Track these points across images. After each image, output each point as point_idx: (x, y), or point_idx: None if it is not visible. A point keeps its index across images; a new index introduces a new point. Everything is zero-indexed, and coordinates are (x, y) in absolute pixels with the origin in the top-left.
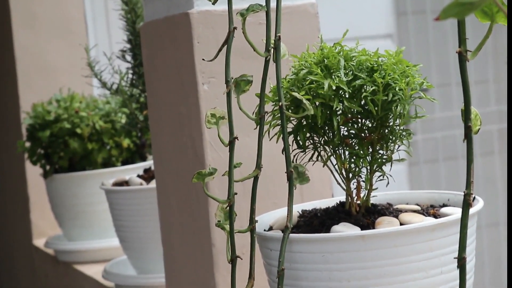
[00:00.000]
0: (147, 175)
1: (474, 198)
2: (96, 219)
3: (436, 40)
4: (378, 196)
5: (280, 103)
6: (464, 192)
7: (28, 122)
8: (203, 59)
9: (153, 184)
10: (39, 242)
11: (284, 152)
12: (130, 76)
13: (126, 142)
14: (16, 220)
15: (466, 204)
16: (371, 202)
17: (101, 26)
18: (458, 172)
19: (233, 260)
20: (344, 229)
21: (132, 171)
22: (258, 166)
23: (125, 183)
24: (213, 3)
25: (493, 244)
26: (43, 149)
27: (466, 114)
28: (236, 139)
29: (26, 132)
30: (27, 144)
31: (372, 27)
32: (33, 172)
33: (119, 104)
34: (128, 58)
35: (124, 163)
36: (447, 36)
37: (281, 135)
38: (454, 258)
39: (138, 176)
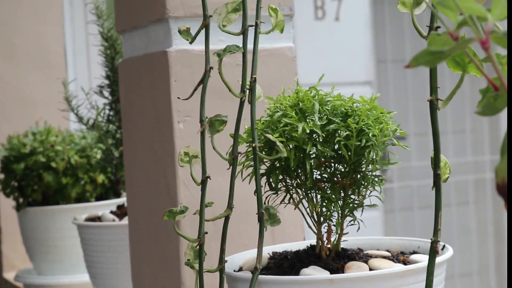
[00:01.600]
0: (120, 212)
1: (444, 246)
2: (68, 254)
3: (415, 89)
4: (350, 241)
5: (254, 145)
6: (431, 239)
7: (3, 153)
8: (178, 98)
9: (125, 220)
10: (9, 275)
11: (256, 193)
12: (107, 112)
13: (100, 178)
14: None
15: (433, 252)
16: (342, 246)
17: (81, 60)
18: (432, 221)
19: None
20: (313, 272)
21: (105, 207)
22: (230, 206)
23: (98, 218)
24: (190, 42)
25: None
26: (17, 181)
27: (435, 162)
28: (208, 178)
29: (1, 164)
30: (1, 176)
31: (351, 73)
32: (6, 204)
33: (95, 140)
34: (106, 94)
35: (98, 199)
36: (425, 85)
37: (254, 176)
38: None
39: (111, 212)
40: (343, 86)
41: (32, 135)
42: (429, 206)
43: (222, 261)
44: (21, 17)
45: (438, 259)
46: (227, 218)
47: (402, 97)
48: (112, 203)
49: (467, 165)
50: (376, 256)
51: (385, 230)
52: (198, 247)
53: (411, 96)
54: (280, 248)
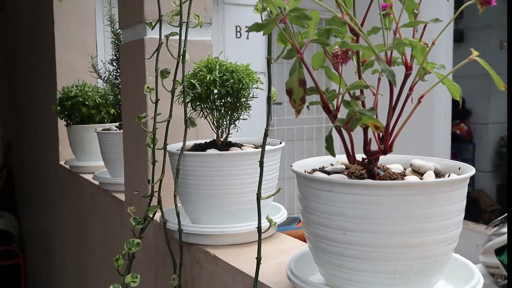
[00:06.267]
0: (120, 127)
1: (281, 142)
2: (93, 151)
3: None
4: (236, 139)
5: (183, 84)
6: (265, 128)
7: (59, 96)
8: (144, 58)
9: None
10: (62, 162)
11: (184, 111)
12: (115, 73)
13: (112, 111)
14: (51, 150)
15: (265, 135)
16: (230, 140)
17: (103, 46)
18: (294, 148)
19: (153, 163)
20: (212, 151)
21: (113, 125)
22: (170, 115)
23: (108, 130)
24: (152, 29)
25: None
26: (66, 111)
27: (268, 89)
28: (159, 100)
29: (58, 101)
30: (58, 108)
31: (255, 67)
32: (61, 124)
33: (109, 89)
34: (114, 64)
35: (111, 122)
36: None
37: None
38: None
39: (116, 126)
40: None
41: (75, 86)
42: (292, 140)
43: (165, 143)
44: (71, 22)
45: (275, 147)
46: (168, 122)
47: (281, 80)
48: (117, 124)
49: (313, 120)
50: (247, 146)
51: None
52: (152, 135)
53: (285, 79)
54: (199, 141)
